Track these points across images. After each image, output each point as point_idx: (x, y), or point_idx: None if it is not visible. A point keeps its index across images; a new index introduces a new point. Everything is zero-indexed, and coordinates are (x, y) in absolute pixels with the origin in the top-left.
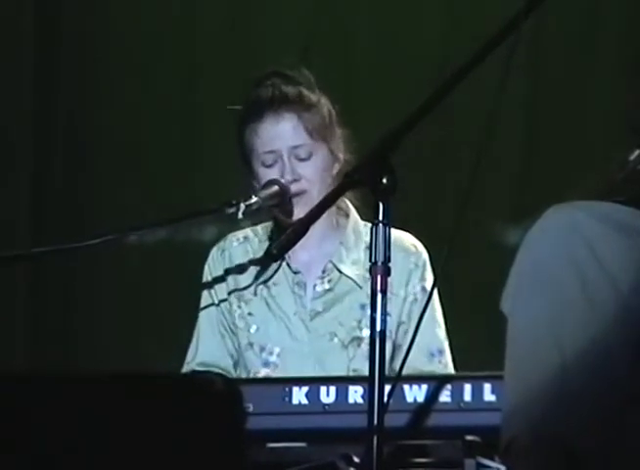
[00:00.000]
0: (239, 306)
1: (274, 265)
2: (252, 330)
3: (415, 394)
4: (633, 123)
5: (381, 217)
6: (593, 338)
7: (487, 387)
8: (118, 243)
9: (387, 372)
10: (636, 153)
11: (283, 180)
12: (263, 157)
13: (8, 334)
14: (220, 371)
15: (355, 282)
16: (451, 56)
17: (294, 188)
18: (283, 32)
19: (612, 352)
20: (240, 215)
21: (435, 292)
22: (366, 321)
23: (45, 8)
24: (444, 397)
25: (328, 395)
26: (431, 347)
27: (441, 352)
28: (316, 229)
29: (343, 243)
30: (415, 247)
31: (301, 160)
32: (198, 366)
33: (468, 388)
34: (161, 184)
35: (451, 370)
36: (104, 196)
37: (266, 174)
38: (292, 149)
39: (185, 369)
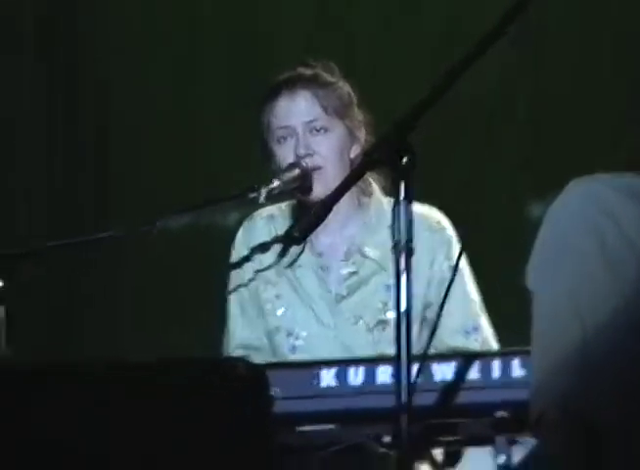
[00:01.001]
0: (265, 289)
1: (298, 247)
2: (279, 313)
3: (443, 372)
4: None
5: (402, 196)
6: (614, 309)
7: (516, 362)
8: (143, 233)
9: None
10: None
11: (297, 155)
12: (278, 132)
13: (28, 325)
14: (257, 351)
15: (379, 264)
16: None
17: (308, 162)
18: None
19: (632, 323)
20: (262, 200)
21: (467, 268)
22: (391, 303)
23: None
24: (473, 374)
25: (356, 376)
26: (466, 325)
27: (476, 328)
28: (339, 210)
29: (367, 224)
30: (439, 223)
31: (316, 134)
32: (236, 348)
33: (496, 364)
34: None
35: (491, 345)
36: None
37: (280, 150)
38: (306, 124)
39: (224, 355)
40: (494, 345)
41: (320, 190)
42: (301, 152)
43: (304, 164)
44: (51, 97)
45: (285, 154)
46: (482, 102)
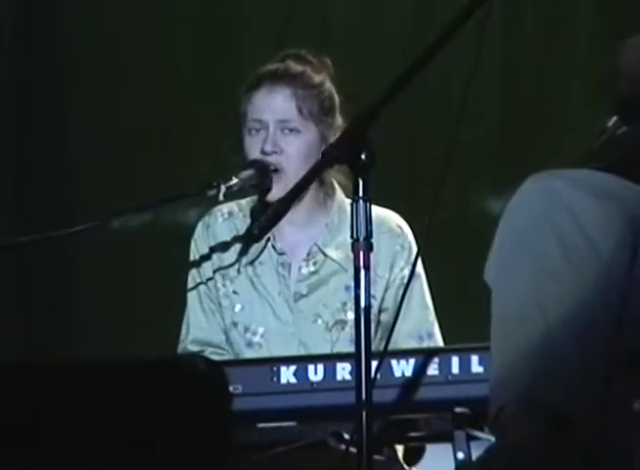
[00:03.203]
0: (223, 285)
1: (260, 245)
2: (237, 309)
3: (403, 368)
4: (611, 91)
5: (361, 193)
6: (577, 303)
7: (475, 359)
8: (102, 229)
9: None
10: (613, 119)
11: (264, 151)
12: (251, 124)
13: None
14: (214, 348)
15: (340, 265)
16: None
17: (272, 160)
18: (259, 18)
19: (595, 316)
20: (221, 197)
21: (424, 275)
22: (351, 304)
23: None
24: (432, 370)
25: (316, 373)
26: (420, 330)
27: (430, 335)
28: (303, 210)
29: (328, 225)
30: (400, 228)
31: (287, 134)
32: (191, 344)
33: (455, 360)
34: (146, 175)
35: None
36: (89, 192)
37: (250, 141)
38: (278, 122)
39: (179, 347)
40: None
41: (280, 190)
42: (268, 148)
43: (264, 163)
44: (33, 92)
45: (253, 146)
46: (449, 99)
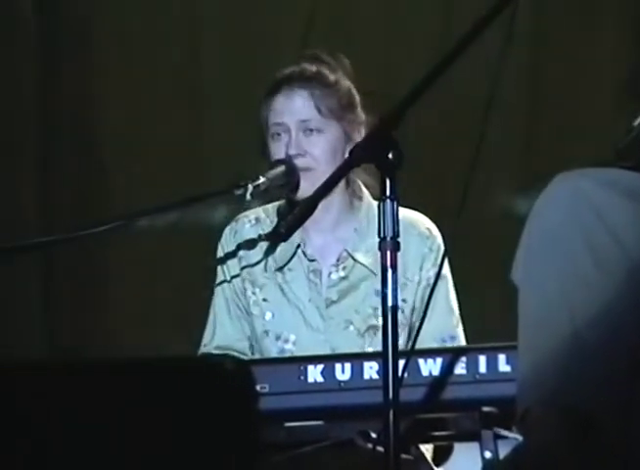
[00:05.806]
0: (253, 293)
1: (289, 251)
2: (267, 317)
3: (430, 367)
4: (637, 90)
5: (388, 193)
6: (605, 305)
7: (502, 358)
8: (129, 228)
9: None
10: (639, 119)
11: (288, 154)
12: (273, 129)
13: (24, 321)
14: (236, 354)
15: (370, 269)
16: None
17: (298, 163)
18: (283, 17)
19: (623, 317)
20: (248, 197)
21: (450, 277)
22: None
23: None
24: (460, 369)
25: (343, 372)
26: (443, 333)
27: (453, 338)
28: (331, 213)
29: (357, 229)
30: (429, 231)
31: (309, 134)
32: (215, 350)
33: (483, 359)
34: (166, 175)
35: None
36: (115, 191)
37: (274, 147)
38: (299, 123)
39: (202, 351)
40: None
41: (308, 189)
42: (292, 152)
43: (291, 162)
44: (55, 89)
45: (277, 150)
46: (477, 98)
